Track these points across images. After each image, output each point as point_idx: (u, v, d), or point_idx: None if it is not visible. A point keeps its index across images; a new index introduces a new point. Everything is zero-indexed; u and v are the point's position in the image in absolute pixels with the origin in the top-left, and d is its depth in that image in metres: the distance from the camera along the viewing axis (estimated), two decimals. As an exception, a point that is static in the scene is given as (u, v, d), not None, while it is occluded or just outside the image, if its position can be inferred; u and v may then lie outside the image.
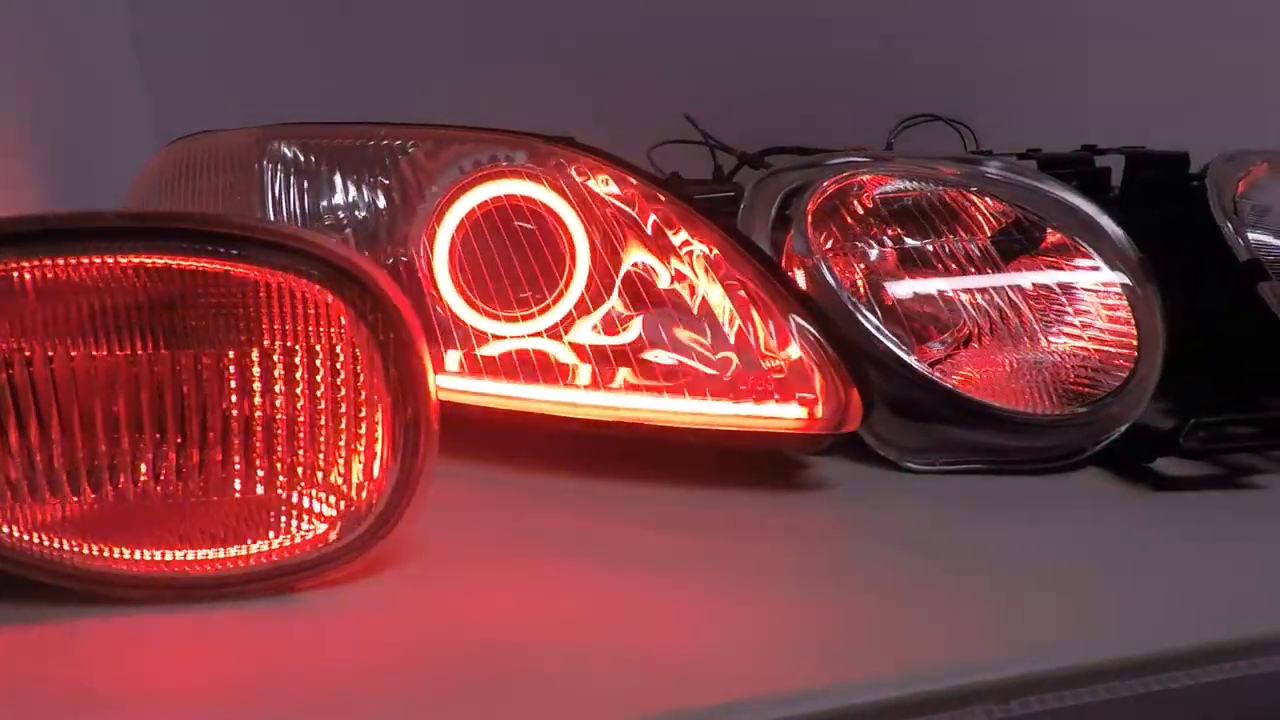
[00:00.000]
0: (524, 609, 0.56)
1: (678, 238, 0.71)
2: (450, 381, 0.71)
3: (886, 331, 0.74)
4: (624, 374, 0.71)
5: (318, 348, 0.55)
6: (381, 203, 0.75)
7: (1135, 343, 0.74)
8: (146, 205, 0.85)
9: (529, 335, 0.72)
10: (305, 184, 0.76)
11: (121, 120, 1.14)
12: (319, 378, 0.55)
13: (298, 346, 0.54)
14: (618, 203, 0.72)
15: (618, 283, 0.72)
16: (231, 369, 0.54)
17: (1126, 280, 0.76)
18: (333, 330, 0.54)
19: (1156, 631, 0.53)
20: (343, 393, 0.55)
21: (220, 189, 0.78)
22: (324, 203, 0.76)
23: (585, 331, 0.72)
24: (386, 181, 0.75)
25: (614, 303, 0.72)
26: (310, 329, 0.54)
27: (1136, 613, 0.56)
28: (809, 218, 0.77)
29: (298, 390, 0.55)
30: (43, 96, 1.01)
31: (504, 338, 0.72)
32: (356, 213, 0.76)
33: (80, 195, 0.94)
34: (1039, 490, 0.71)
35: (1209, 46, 1.31)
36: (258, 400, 0.55)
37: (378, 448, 0.56)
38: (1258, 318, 0.77)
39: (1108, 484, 0.71)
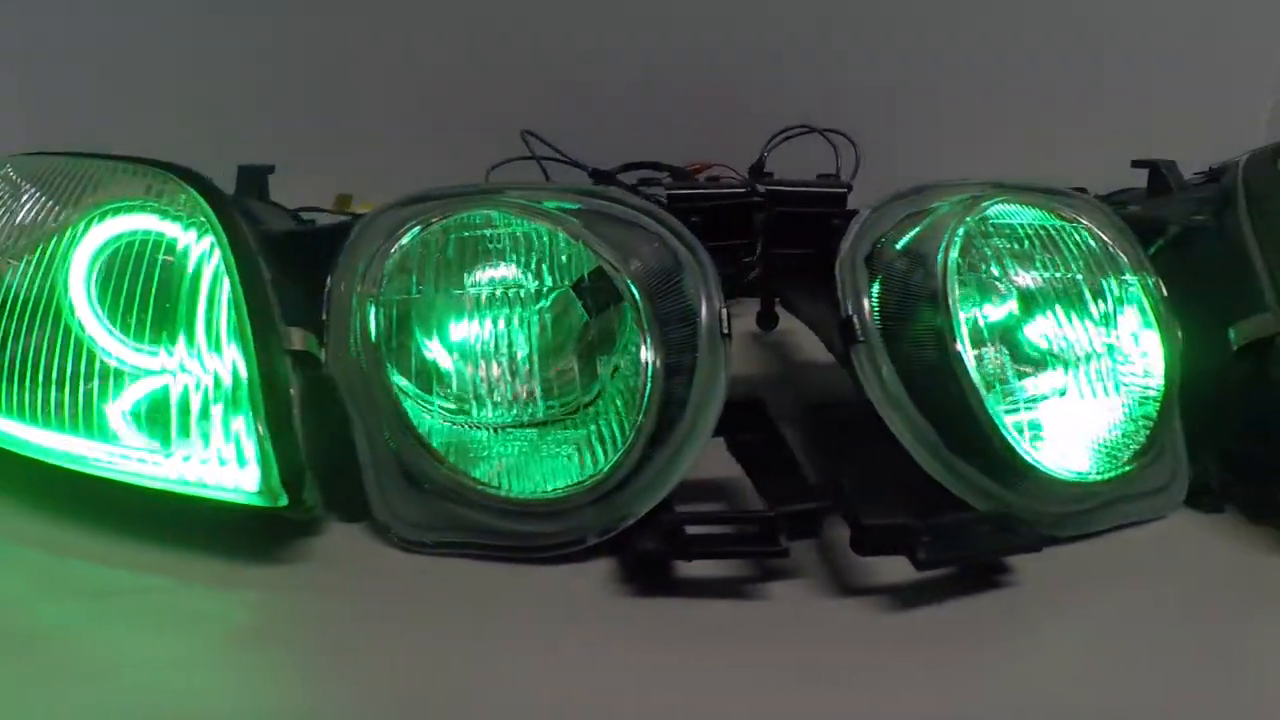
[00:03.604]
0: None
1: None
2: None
3: (406, 386, 0.68)
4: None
5: None
6: (49, 228, 0.76)
7: (639, 426, 0.63)
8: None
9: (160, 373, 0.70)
10: (12, 206, 0.77)
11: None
12: None
13: None
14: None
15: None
16: None
17: (654, 359, 0.64)
18: None
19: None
20: None
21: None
22: (17, 220, 0.76)
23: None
24: (60, 210, 0.75)
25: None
26: None
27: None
28: (385, 261, 0.71)
29: None
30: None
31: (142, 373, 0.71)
32: (23, 240, 0.76)
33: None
34: (530, 582, 0.63)
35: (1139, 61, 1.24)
36: None
37: None
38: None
39: (610, 583, 0.63)
